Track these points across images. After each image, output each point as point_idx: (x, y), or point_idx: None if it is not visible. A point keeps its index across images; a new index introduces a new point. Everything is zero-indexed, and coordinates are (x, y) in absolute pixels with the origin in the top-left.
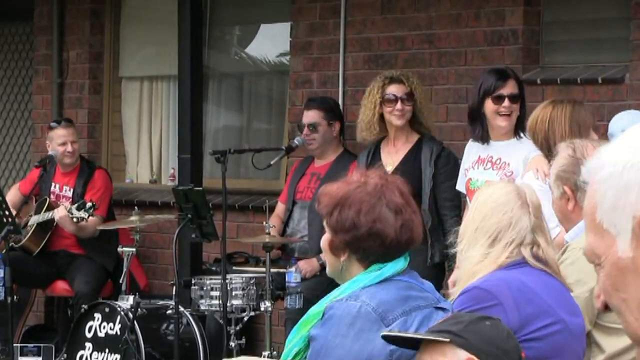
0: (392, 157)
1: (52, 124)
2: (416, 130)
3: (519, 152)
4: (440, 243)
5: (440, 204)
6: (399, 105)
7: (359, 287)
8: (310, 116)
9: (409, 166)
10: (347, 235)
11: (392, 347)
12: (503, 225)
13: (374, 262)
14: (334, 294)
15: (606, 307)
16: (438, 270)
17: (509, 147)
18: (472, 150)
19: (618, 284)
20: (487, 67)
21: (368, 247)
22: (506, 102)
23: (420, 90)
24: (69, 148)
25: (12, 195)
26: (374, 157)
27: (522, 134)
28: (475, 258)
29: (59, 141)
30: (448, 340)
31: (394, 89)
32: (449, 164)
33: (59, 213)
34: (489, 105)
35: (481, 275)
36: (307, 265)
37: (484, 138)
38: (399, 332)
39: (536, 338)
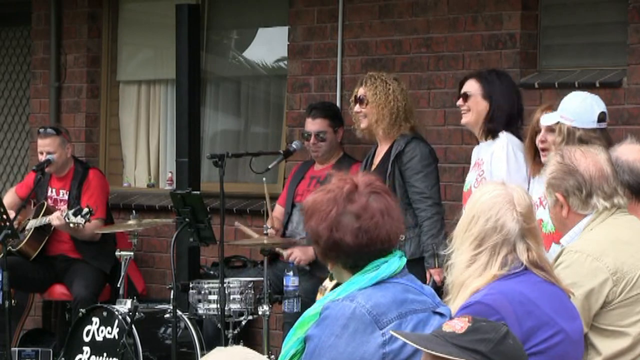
0: (377, 160)
1: (39, 130)
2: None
3: (488, 150)
4: (413, 240)
5: (411, 198)
6: (357, 107)
7: (356, 288)
8: (318, 125)
9: (378, 171)
10: (317, 247)
11: (385, 349)
12: (487, 229)
13: (355, 266)
14: (331, 295)
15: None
16: (415, 267)
17: (486, 146)
18: (473, 155)
19: None
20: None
21: (333, 256)
22: (460, 101)
23: (373, 94)
24: (43, 158)
25: (9, 199)
26: (372, 159)
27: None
28: (462, 263)
29: (38, 150)
30: None
31: (359, 90)
32: (415, 157)
33: (55, 221)
34: None
35: (476, 286)
36: (302, 253)
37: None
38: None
39: (538, 352)
